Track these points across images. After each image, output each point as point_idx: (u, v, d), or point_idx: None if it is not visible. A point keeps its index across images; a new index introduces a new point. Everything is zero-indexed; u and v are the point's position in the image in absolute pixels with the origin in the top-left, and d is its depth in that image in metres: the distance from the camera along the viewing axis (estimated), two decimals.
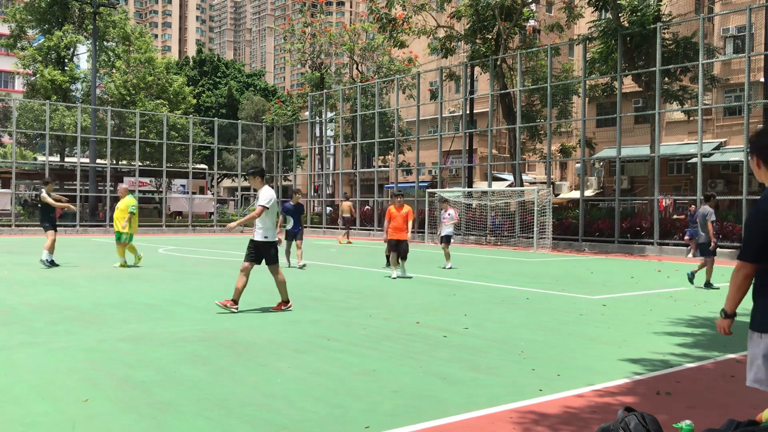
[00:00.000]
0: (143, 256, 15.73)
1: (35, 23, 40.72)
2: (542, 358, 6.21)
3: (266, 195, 8.63)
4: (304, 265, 14.94)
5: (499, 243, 27.03)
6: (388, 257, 14.10)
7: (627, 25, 24.49)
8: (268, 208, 8.57)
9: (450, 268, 15.20)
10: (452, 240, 16.29)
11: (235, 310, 8.54)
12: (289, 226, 15.07)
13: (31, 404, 4.56)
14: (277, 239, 8.74)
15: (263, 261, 8.66)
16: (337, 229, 33.81)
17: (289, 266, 14.91)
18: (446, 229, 15.95)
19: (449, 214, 16.02)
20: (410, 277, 13.06)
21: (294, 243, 15.22)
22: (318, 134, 40.59)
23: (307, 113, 41.03)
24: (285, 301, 8.88)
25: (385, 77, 38.89)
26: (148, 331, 7.21)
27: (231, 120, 48.71)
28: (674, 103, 28.01)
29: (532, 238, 24.40)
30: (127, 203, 14.63)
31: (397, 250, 13.10)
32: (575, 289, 11.82)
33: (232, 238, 30.31)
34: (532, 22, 35.50)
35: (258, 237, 8.61)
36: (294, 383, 5.19)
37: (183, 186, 46.36)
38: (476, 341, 6.95)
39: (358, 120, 34.64)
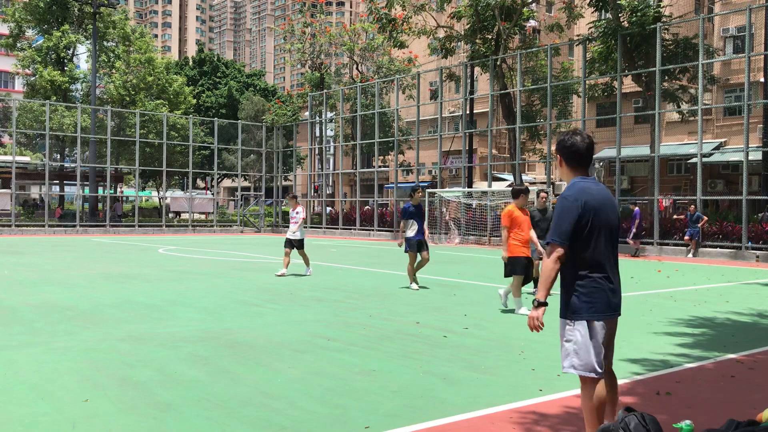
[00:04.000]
0: None
1: (35, 23, 40.69)
2: (542, 358, 6.21)
3: None
4: (421, 286, 11.63)
5: (499, 243, 26.98)
6: (524, 282, 9.11)
7: (627, 25, 24.49)
8: None
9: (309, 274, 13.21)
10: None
11: None
12: (412, 232, 11.48)
13: (31, 404, 4.56)
14: None
15: None
16: (337, 228, 34.21)
17: (417, 288, 11.36)
18: (298, 232, 13.62)
19: (297, 212, 13.63)
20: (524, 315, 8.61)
21: (420, 255, 11.53)
22: (318, 134, 40.58)
23: (307, 113, 41.02)
24: None
25: (385, 77, 38.88)
26: (148, 331, 7.21)
27: (231, 120, 48.71)
28: (673, 103, 27.96)
29: None
30: None
31: (528, 272, 9.01)
32: None
33: (232, 239, 30.32)
34: (532, 22, 35.54)
35: None
36: (294, 383, 5.18)
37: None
38: (476, 341, 6.95)
39: (358, 120, 34.63)
